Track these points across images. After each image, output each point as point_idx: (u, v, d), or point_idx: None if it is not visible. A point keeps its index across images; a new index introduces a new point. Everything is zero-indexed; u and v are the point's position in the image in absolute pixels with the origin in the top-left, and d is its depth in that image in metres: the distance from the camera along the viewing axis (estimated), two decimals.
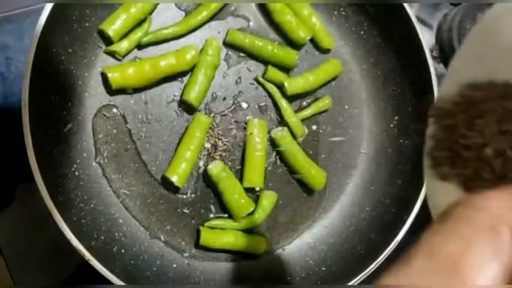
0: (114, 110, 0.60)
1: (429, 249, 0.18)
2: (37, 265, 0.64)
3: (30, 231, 0.62)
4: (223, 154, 0.63)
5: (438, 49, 0.83)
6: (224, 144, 0.63)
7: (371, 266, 0.58)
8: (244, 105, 0.65)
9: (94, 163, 0.59)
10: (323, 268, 0.64)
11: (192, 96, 0.60)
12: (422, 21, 0.83)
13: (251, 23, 0.67)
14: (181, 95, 0.62)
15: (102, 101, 0.60)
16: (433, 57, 0.83)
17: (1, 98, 0.63)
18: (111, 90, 0.59)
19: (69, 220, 0.51)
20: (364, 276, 0.58)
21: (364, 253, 0.63)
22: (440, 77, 0.82)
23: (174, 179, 0.59)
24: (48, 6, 0.52)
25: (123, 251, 0.57)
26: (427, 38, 0.84)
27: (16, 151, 0.56)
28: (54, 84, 0.55)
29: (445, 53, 0.82)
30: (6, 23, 0.64)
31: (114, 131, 0.60)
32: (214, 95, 0.64)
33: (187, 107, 0.62)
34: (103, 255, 0.53)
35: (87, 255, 0.49)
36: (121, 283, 0.50)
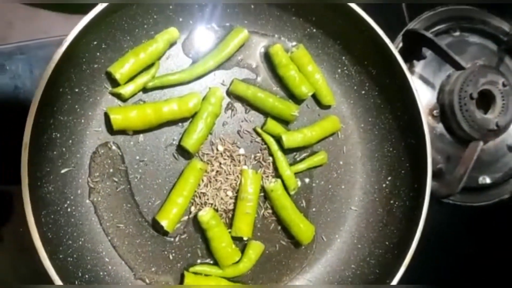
0: (114, 148, 0.62)
1: None
2: None
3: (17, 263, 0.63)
4: (216, 199, 0.64)
5: (439, 109, 0.85)
6: (218, 190, 0.64)
7: None
8: (242, 152, 0.66)
9: (87, 201, 0.60)
10: None
11: (189, 143, 0.62)
12: (425, 81, 0.85)
13: (255, 75, 0.68)
14: (180, 141, 0.63)
15: (102, 139, 0.61)
16: (433, 116, 0.85)
17: (7, 125, 0.65)
18: (112, 130, 0.61)
19: (55, 258, 0.52)
20: None
21: None
22: (439, 136, 0.84)
23: (164, 223, 0.60)
24: (64, 45, 0.53)
25: None
26: (428, 97, 0.85)
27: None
28: (57, 122, 0.57)
29: (445, 114, 0.84)
30: (18, 53, 0.66)
31: (111, 170, 0.62)
32: (212, 141, 0.65)
33: (185, 152, 0.64)
34: None
35: None
36: None
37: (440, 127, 0.85)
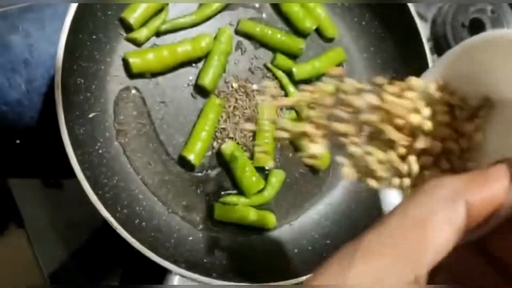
0: (134, 92, 0.64)
1: (401, 211, 0.24)
2: (62, 251, 0.69)
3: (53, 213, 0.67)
4: (236, 133, 0.67)
5: (432, 42, 0.88)
6: (237, 124, 0.67)
7: None
8: (255, 87, 0.69)
9: (115, 143, 0.63)
10: (328, 242, 0.69)
11: (206, 81, 0.65)
12: (418, 14, 0.88)
13: (260, 14, 0.71)
14: (196, 80, 0.66)
15: (123, 84, 0.64)
16: (429, 49, 0.88)
17: (26, 82, 0.67)
18: (131, 75, 0.63)
19: (97, 194, 0.55)
20: None
21: (365, 228, 0.67)
22: None
23: (191, 157, 0.63)
24: None
25: (144, 224, 0.62)
26: (422, 31, 0.89)
27: (44, 132, 0.60)
28: (80, 68, 0.59)
29: (439, 46, 0.87)
30: (28, 12, 0.68)
31: (134, 112, 0.64)
32: (226, 79, 0.68)
33: (202, 91, 0.67)
34: (127, 226, 0.57)
35: (115, 223, 0.54)
36: (146, 249, 0.54)
37: (435, 59, 0.88)
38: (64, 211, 0.70)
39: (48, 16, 0.68)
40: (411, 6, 0.69)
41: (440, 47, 0.87)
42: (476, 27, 0.86)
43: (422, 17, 0.89)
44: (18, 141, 0.69)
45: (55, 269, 0.70)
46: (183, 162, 0.65)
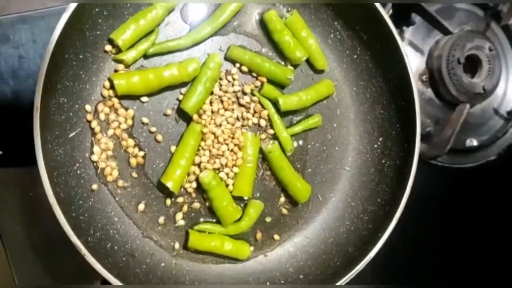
0: (118, 112, 0.64)
1: None
2: (36, 262, 0.68)
3: (29, 225, 0.66)
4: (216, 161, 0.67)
5: (427, 74, 0.88)
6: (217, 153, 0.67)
7: (344, 278, 0.63)
8: (240, 115, 0.69)
9: (94, 163, 0.63)
10: (301, 277, 0.68)
11: (189, 106, 0.64)
12: (414, 46, 0.88)
13: (252, 41, 0.71)
14: (179, 104, 0.66)
15: (106, 104, 0.63)
16: (423, 81, 0.88)
17: (13, 93, 0.67)
18: (116, 95, 0.63)
19: (69, 216, 0.55)
20: None
21: (340, 265, 0.67)
22: (428, 100, 0.87)
23: (169, 184, 0.63)
24: (67, 13, 0.55)
25: (116, 248, 0.61)
26: (418, 63, 0.88)
27: (23, 144, 0.60)
28: (63, 87, 0.59)
29: (434, 79, 0.87)
30: (21, 23, 0.68)
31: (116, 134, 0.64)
32: (210, 106, 0.68)
33: (186, 116, 0.66)
34: (98, 251, 0.57)
35: (83, 250, 0.53)
36: (114, 279, 0.54)
37: (429, 92, 0.88)
38: (41, 223, 0.70)
39: (40, 29, 0.68)
40: (401, 43, 0.68)
41: (434, 80, 0.87)
42: (473, 64, 0.86)
43: (418, 49, 0.88)
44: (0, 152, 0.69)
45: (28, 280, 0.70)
46: (162, 187, 0.65)
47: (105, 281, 0.68)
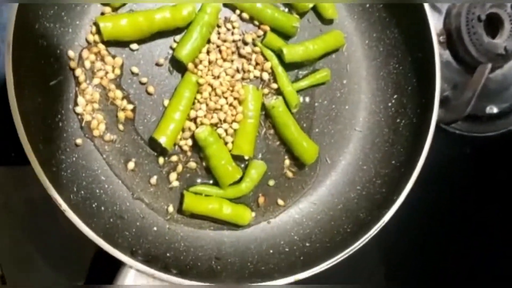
0: (105, 60, 0.58)
1: None
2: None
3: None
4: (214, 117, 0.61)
5: (445, 35, 0.81)
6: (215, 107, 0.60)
7: (355, 245, 0.57)
8: (240, 67, 0.62)
9: (79, 116, 0.57)
10: (307, 244, 0.62)
11: (183, 53, 0.58)
12: (431, 5, 0.81)
13: None
14: (173, 53, 0.59)
15: (92, 51, 0.57)
16: (440, 43, 0.81)
17: None
18: (103, 41, 0.57)
19: (48, 170, 0.49)
20: (346, 255, 0.56)
21: (350, 232, 0.61)
22: (445, 64, 0.81)
23: (162, 140, 0.57)
24: None
25: (102, 208, 0.56)
26: (435, 23, 0.80)
27: None
28: (42, 28, 0.53)
29: (452, 39, 0.80)
30: None
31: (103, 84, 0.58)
32: (208, 54, 0.61)
33: (180, 66, 0.60)
34: (81, 209, 0.51)
35: (63, 205, 0.48)
36: (98, 237, 0.48)
37: (446, 54, 0.81)
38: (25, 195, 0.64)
39: None
40: None
41: (452, 41, 0.80)
42: (494, 25, 0.79)
43: (435, 8, 0.82)
44: None
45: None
46: (154, 144, 0.59)
47: (99, 251, 0.63)
